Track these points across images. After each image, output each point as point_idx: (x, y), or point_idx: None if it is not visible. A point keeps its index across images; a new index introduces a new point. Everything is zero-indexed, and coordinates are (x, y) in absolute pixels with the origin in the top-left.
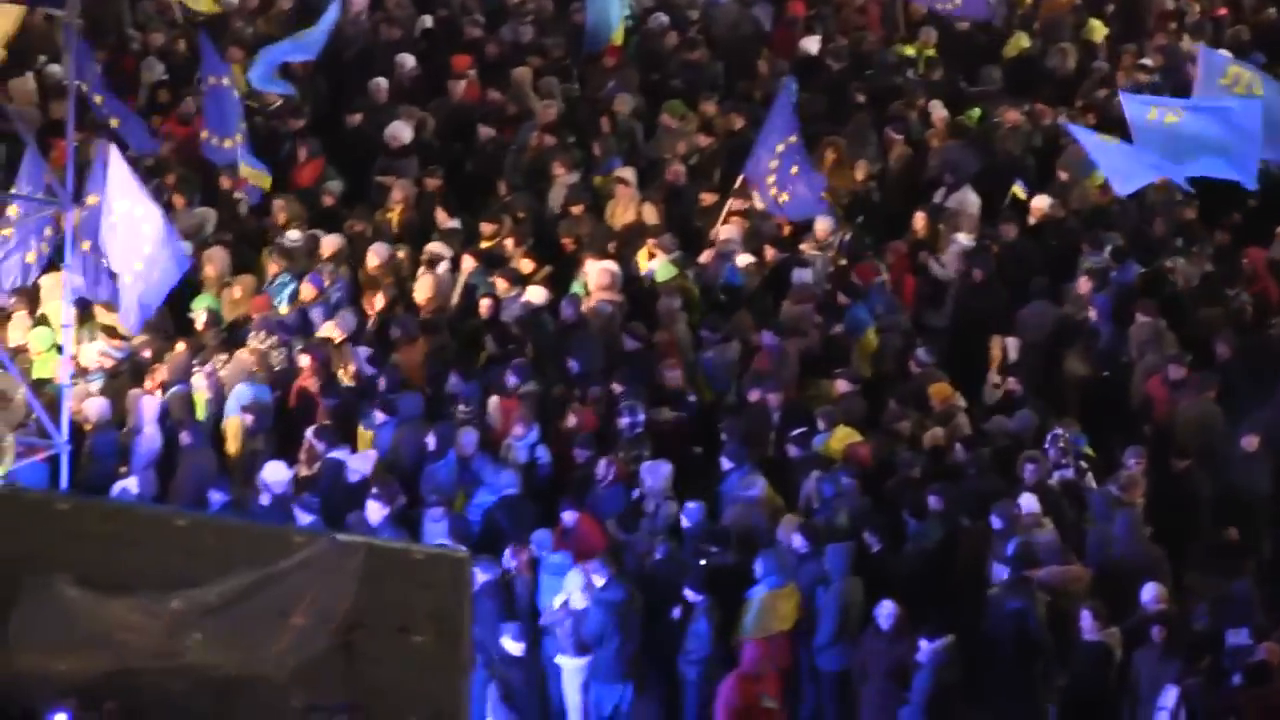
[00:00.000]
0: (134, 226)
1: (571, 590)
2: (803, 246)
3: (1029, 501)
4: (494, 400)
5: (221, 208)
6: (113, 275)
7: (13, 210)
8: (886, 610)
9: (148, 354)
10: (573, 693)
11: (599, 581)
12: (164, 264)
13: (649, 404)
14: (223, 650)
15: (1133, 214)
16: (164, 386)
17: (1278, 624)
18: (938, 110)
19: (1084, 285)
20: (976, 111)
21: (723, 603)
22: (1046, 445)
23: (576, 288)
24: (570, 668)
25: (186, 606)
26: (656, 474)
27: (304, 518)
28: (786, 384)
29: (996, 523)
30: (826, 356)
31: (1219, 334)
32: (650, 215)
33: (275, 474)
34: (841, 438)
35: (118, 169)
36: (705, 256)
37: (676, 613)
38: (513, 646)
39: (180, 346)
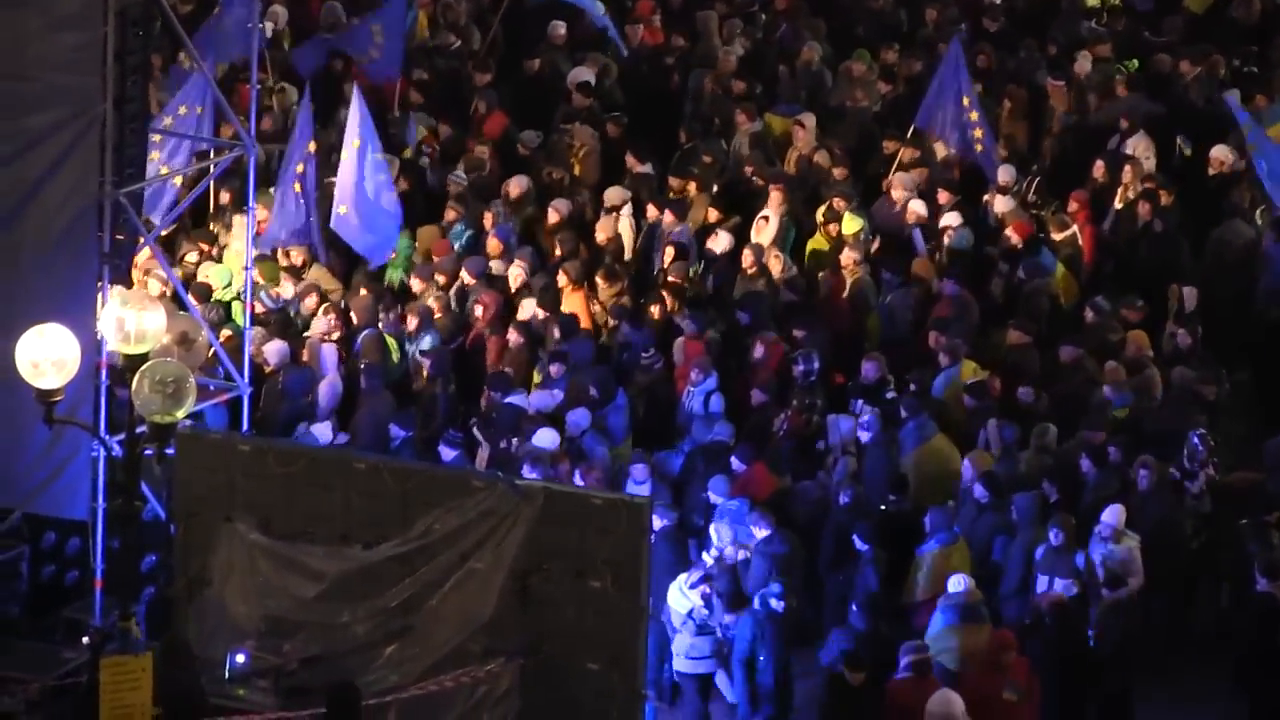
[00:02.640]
0: (353, 168)
1: (724, 544)
2: (987, 198)
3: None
4: (679, 342)
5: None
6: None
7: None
8: None
9: (310, 302)
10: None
11: (761, 534)
12: (372, 216)
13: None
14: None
15: None
16: (345, 332)
17: None
18: (1083, 63)
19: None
20: (1134, 62)
21: (897, 552)
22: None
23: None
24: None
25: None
26: (839, 428)
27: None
28: (968, 332)
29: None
30: (1008, 306)
31: None
32: (827, 161)
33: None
34: (968, 373)
35: (357, 110)
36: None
37: None
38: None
39: (363, 292)
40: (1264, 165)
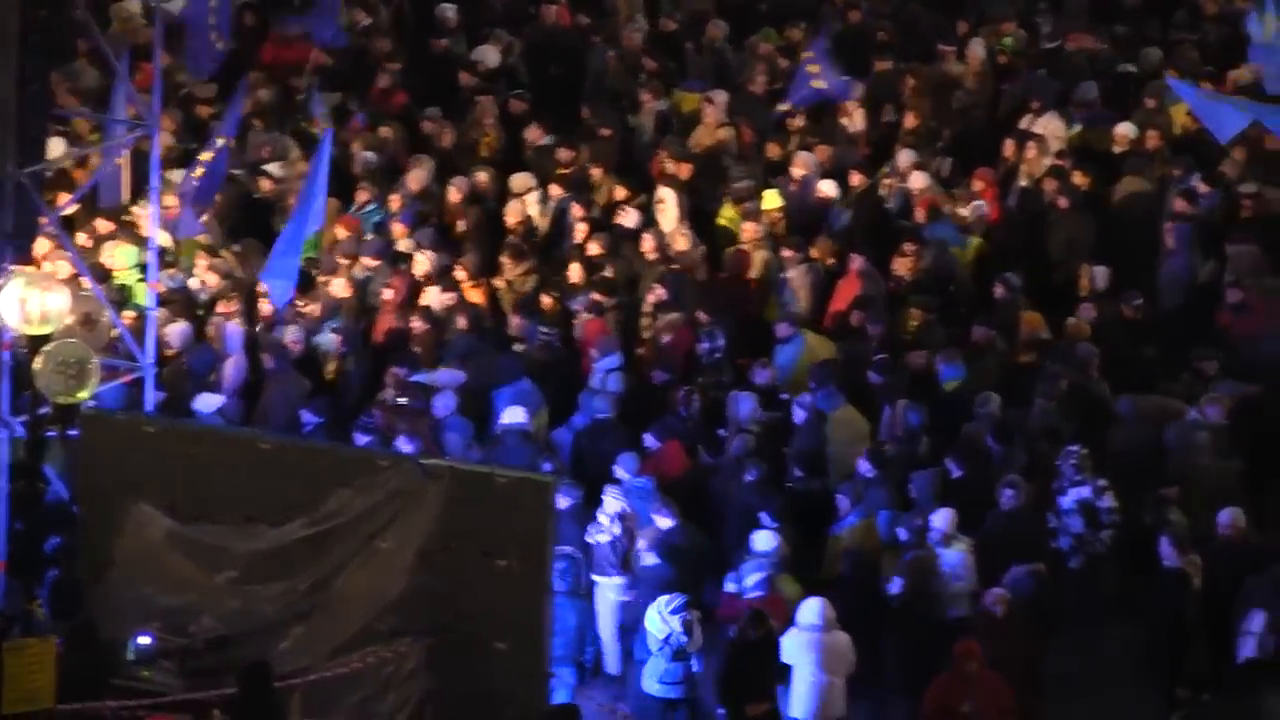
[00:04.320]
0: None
1: (610, 512)
2: (887, 182)
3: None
4: (580, 321)
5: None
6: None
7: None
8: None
9: (211, 280)
10: (606, 612)
11: (664, 524)
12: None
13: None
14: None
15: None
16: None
17: None
18: (975, 50)
19: (1178, 208)
20: (1009, 40)
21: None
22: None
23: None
24: (605, 585)
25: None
26: (739, 406)
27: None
28: (879, 310)
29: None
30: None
31: None
32: (733, 139)
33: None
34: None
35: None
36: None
37: None
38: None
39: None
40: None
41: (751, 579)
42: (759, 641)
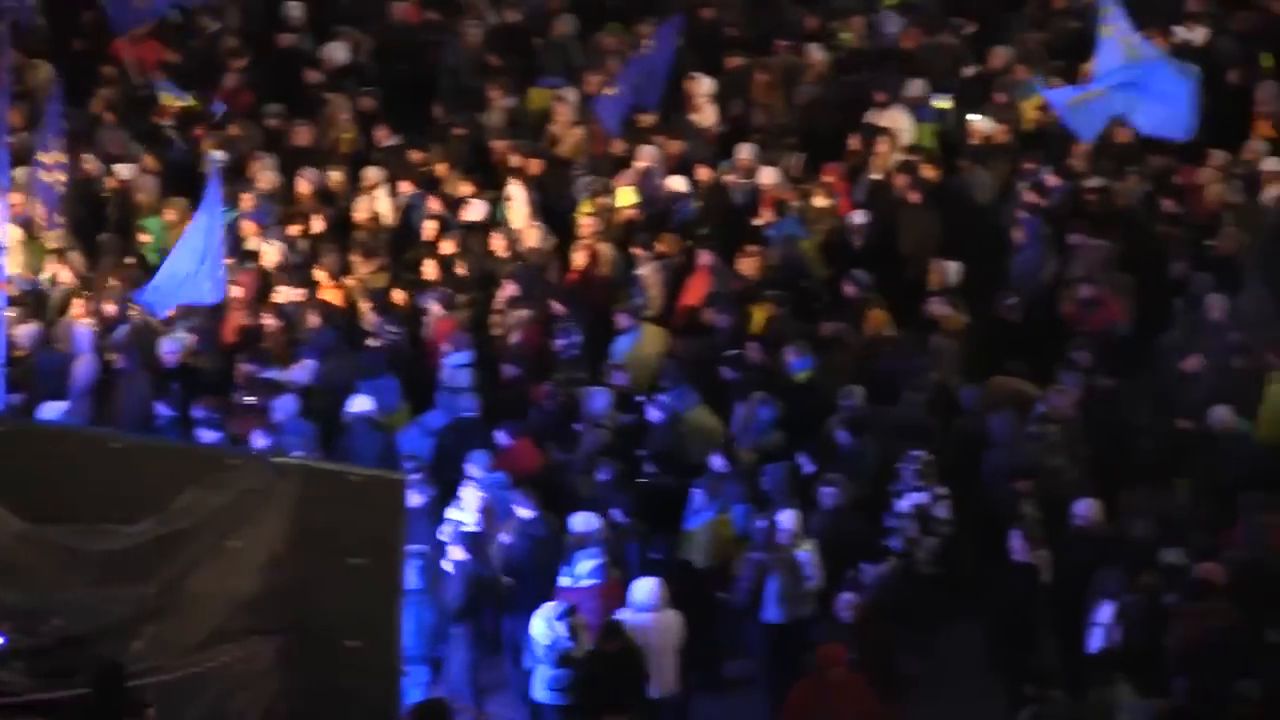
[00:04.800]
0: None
1: (468, 508)
2: (729, 178)
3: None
4: (431, 317)
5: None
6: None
7: None
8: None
9: (64, 277)
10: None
11: (524, 514)
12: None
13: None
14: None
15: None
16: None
17: (1214, 543)
18: (814, 52)
19: (1017, 210)
20: (848, 36)
21: (664, 526)
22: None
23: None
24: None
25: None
26: (592, 402)
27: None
28: (727, 304)
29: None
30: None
31: (1173, 253)
32: (584, 138)
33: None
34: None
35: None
36: (629, 177)
37: None
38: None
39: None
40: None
41: (585, 565)
42: (615, 655)
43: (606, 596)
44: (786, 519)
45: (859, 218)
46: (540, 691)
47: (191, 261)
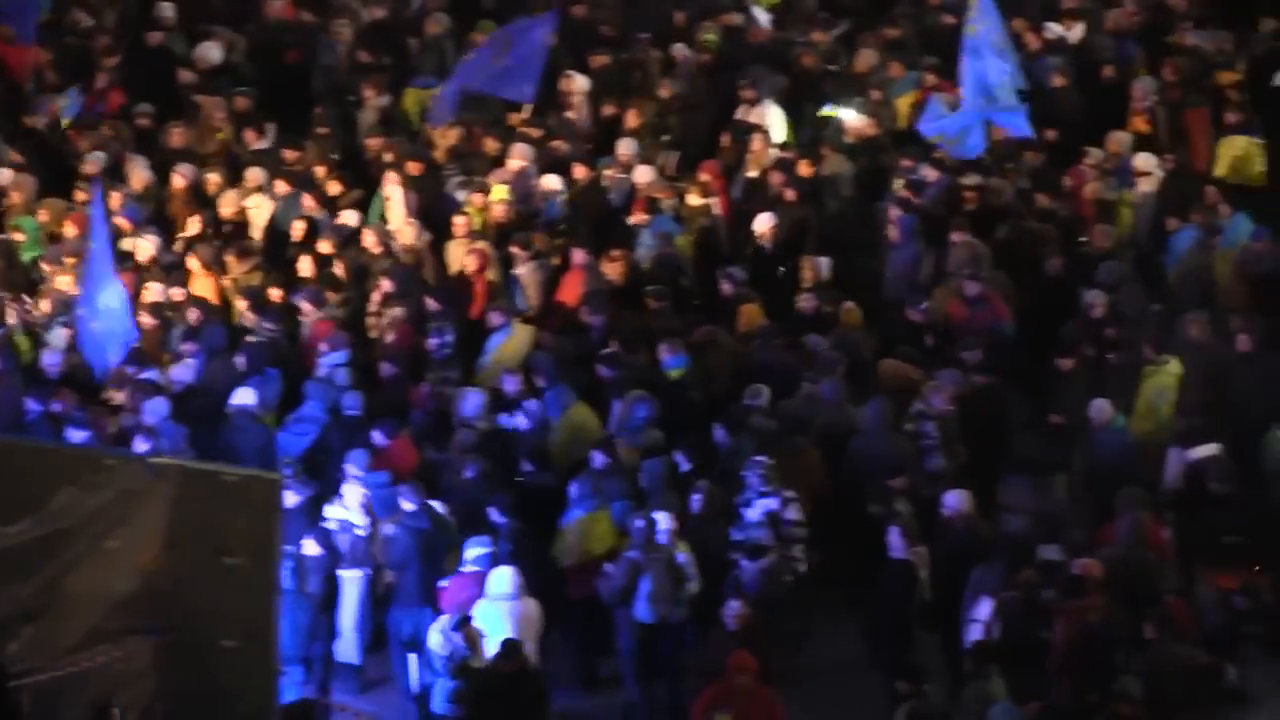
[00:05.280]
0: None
1: (352, 506)
2: (609, 172)
3: None
4: (308, 318)
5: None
6: None
7: None
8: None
9: None
10: (349, 606)
11: (408, 507)
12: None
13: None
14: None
15: None
16: None
17: (1091, 539)
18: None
19: (891, 209)
20: (711, 36)
21: (541, 525)
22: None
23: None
24: (349, 579)
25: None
26: (469, 403)
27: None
28: (601, 303)
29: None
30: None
31: (1049, 250)
32: (459, 137)
33: None
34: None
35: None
36: (503, 176)
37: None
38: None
39: None
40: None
41: (474, 552)
42: (512, 675)
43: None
44: (665, 519)
45: (767, 221)
46: (439, 703)
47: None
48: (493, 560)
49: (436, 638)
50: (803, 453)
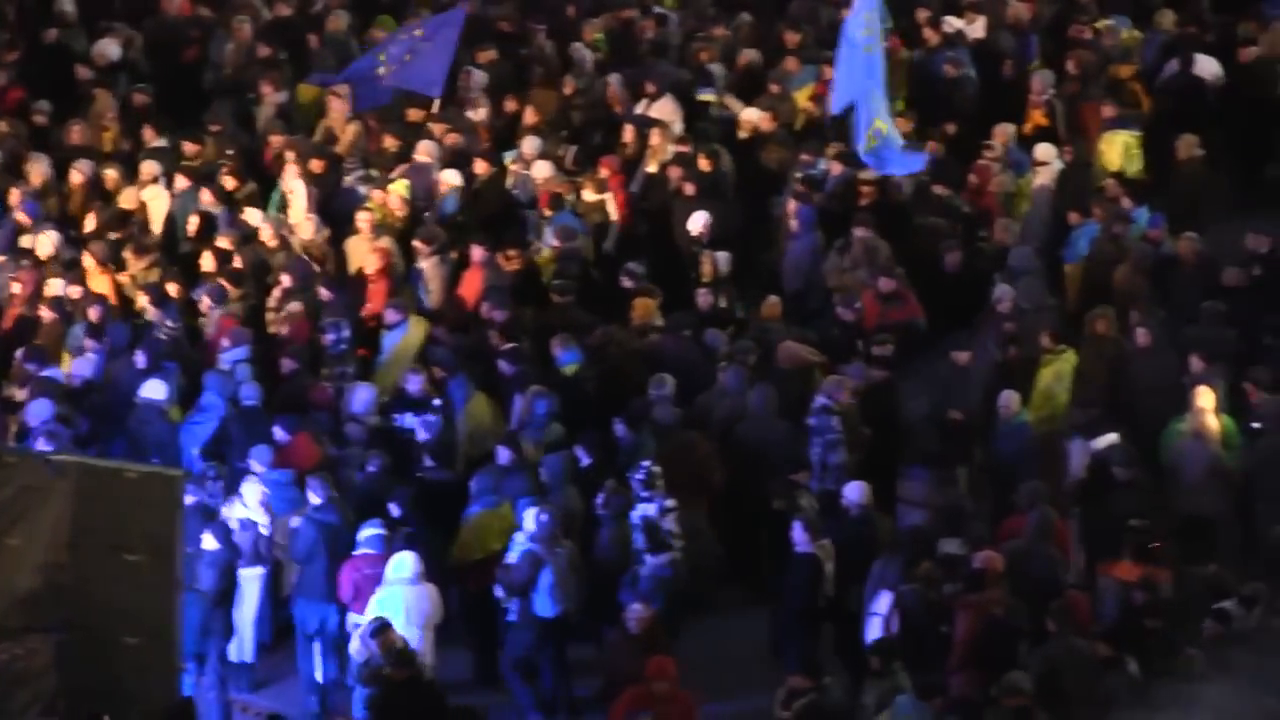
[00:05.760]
0: None
1: (249, 504)
2: (514, 166)
3: None
4: (211, 313)
5: None
6: None
7: None
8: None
9: None
10: (248, 603)
11: (315, 500)
12: None
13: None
14: None
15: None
16: None
17: (992, 533)
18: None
19: (790, 201)
20: (599, 38)
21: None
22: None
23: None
24: (248, 576)
25: None
26: (359, 399)
27: None
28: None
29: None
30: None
31: (947, 245)
32: (359, 133)
33: None
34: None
35: None
36: (404, 171)
37: None
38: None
39: None
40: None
41: (366, 534)
42: (405, 683)
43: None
44: (530, 519)
45: (702, 219)
46: (358, 710)
47: None
48: (385, 543)
49: (355, 643)
50: (695, 446)
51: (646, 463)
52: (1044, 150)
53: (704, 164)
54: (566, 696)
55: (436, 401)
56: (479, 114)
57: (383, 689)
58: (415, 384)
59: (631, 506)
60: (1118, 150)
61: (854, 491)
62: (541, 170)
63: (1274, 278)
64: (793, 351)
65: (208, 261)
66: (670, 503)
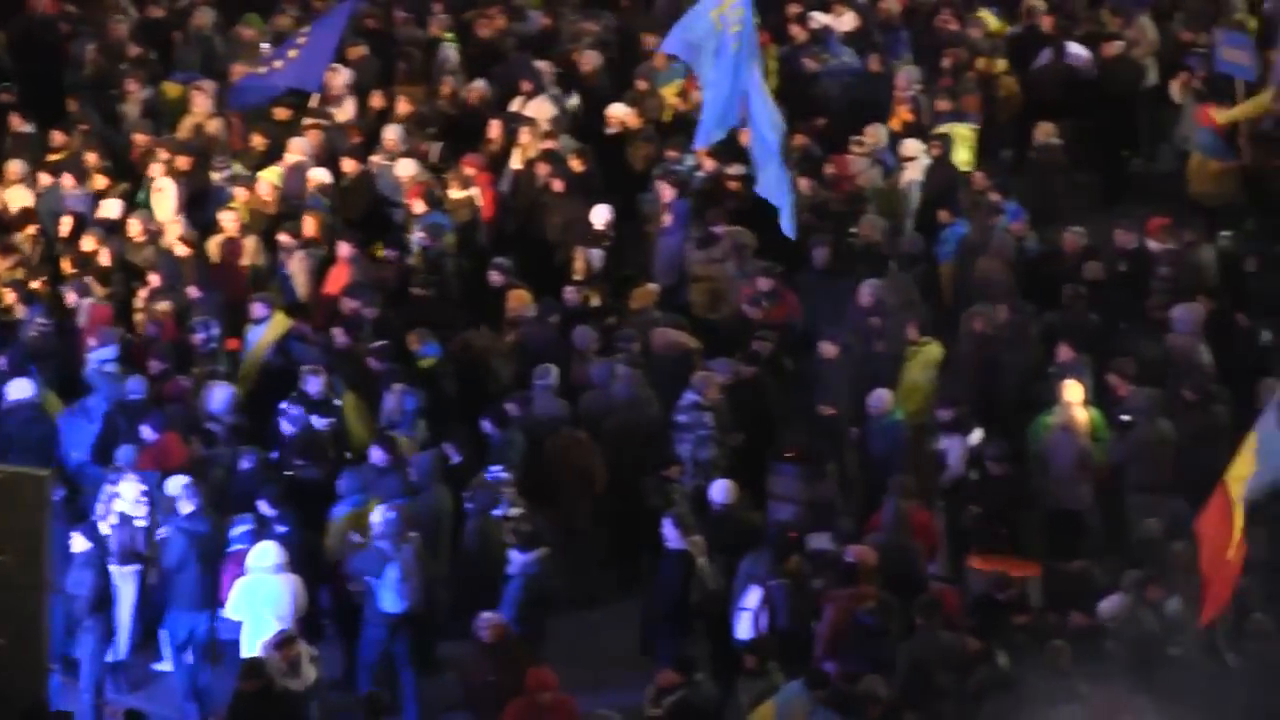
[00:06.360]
0: None
1: (126, 501)
2: (374, 158)
3: None
4: (84, 309)
5: None
6: None
7: None
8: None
9: None
10: (124, 602)
11: (187, 509)
12: None
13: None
14: None
15: None
16: None
17: (861, 527)
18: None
19: (665, 192)
20: (450, 35)
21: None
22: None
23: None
24: (123, 574)
25: None
26: (217, 398)
27: None
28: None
29: None
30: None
31: (818, 240)
32: (223, 128)
33: None
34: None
35: None
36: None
37: None
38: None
39: None
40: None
41: (238, 531)
42: (255, 695)
43: None
44: (378, 514)
45: (605, 213)
46: None
47: None
48: (255, 537)
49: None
50: (580, 443)
51: (496, 468)
52: (911, 146)
53: (576, 163)
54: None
55: (338, 402)
56: (346, 111)
57: (234, 702)
58: (314, 385)
59: (497, 504)
60: (953, 143)
61: (719, 491)
62: (406, 168)
63: (1139, 273)
64: (669, 338)
65: (76, 259)
66: (515, 510)
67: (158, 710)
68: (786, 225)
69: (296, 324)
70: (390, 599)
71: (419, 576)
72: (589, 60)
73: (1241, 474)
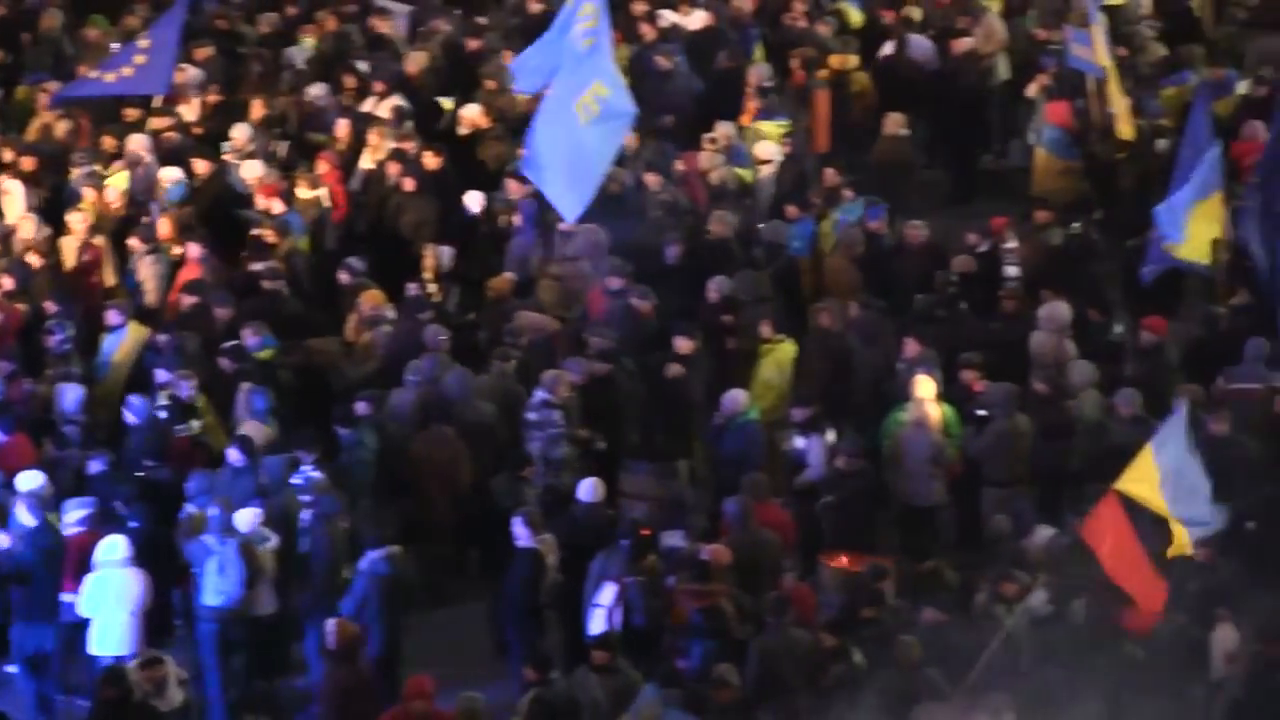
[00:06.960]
0: None
1: None
2: (227, 156)
3: None
4: None
5: None
6: None
7: None
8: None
9: None
10: None
11: (30, 522)
12: None
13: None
14: None
15: None
16: None
17: (713, 525)
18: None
19: (515, 191)
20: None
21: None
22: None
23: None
24: None
25: None
26: (69, 398)
27: None
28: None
29: None
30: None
31: (670, 238)
32: (71, 130)
33: None
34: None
35: None
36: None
37: None
38: None
39: None
40: None
41: (74, 515)
42: (115, 702)
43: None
44: (250, 512)
45: (478, 198)
46: None
47: None
48: (93, 521)
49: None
50: (446, 441)
51: (314, 470)
52: (763, 148)
53: (431, 161)
54: (265, 693)
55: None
56: (193, 110)
57: (93, 709)
58: (186, 390)
59: (337, 506)
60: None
61: (586, 491)
62: (253, 169)
63: (988, 274)
64: (532, 320)
65: None
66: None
67: (12, 712)
68: (566, 204)
69: (151, 334)
70: (207, 594)
71: (236, 571)
72: (415, 61)
73: (1141, 481)
